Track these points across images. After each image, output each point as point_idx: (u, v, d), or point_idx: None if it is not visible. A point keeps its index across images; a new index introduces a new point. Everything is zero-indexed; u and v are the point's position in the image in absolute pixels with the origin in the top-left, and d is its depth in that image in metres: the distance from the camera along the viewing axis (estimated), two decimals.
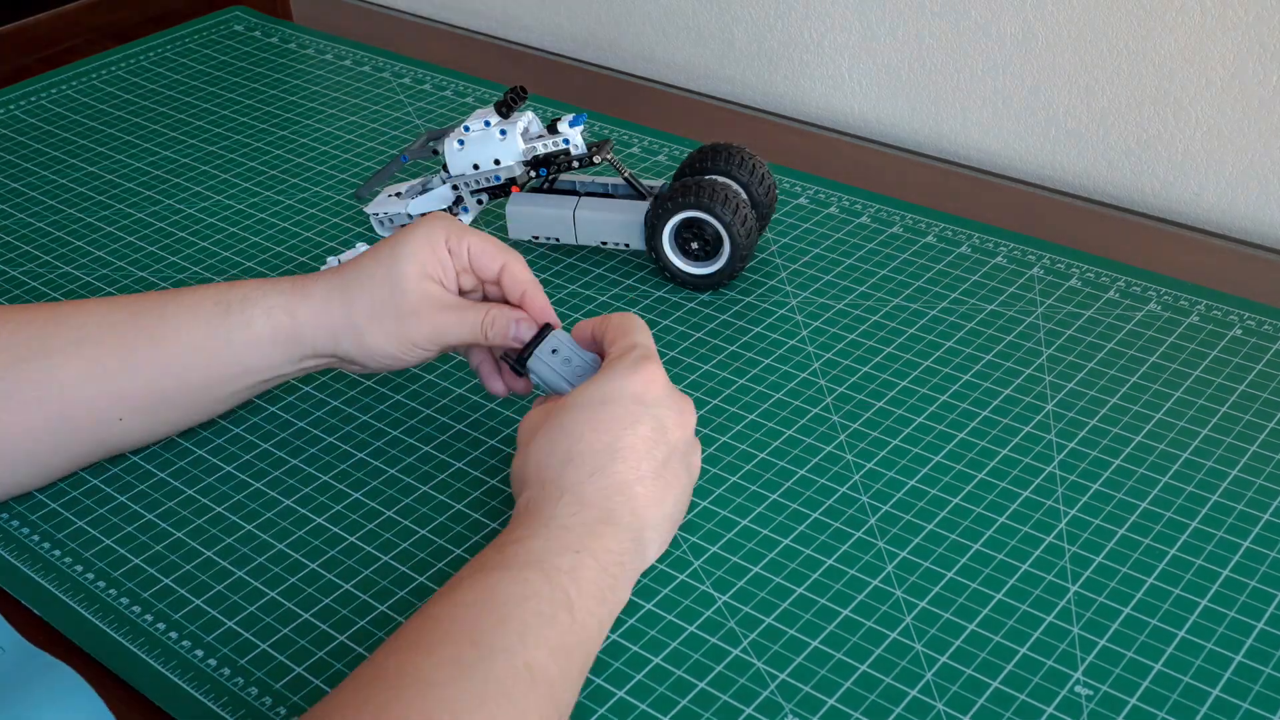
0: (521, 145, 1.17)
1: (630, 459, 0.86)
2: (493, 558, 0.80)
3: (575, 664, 0.78)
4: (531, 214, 1.20)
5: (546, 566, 0.79)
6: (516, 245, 1.22)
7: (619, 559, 0.83)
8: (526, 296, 0.96)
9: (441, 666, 0.72)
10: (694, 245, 1.15)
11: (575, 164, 1.16)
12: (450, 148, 1.17)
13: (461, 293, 0.98)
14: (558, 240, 1.21)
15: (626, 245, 1.19)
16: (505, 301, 0.97)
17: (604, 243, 1.19)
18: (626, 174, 1.18)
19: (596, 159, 1.16)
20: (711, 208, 1.12)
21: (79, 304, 0.97)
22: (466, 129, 1.17)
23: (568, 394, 0.90)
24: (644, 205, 1.17)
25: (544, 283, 1.18)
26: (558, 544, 0.81)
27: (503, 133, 1.16)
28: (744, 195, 1.16)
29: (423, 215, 1.02)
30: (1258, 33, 1.21)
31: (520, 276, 0.97)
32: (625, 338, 0.92)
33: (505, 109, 1.17)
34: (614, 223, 1.18)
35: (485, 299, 0.99)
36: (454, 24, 1.77)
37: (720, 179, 1.16)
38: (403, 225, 1.20)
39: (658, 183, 1.20)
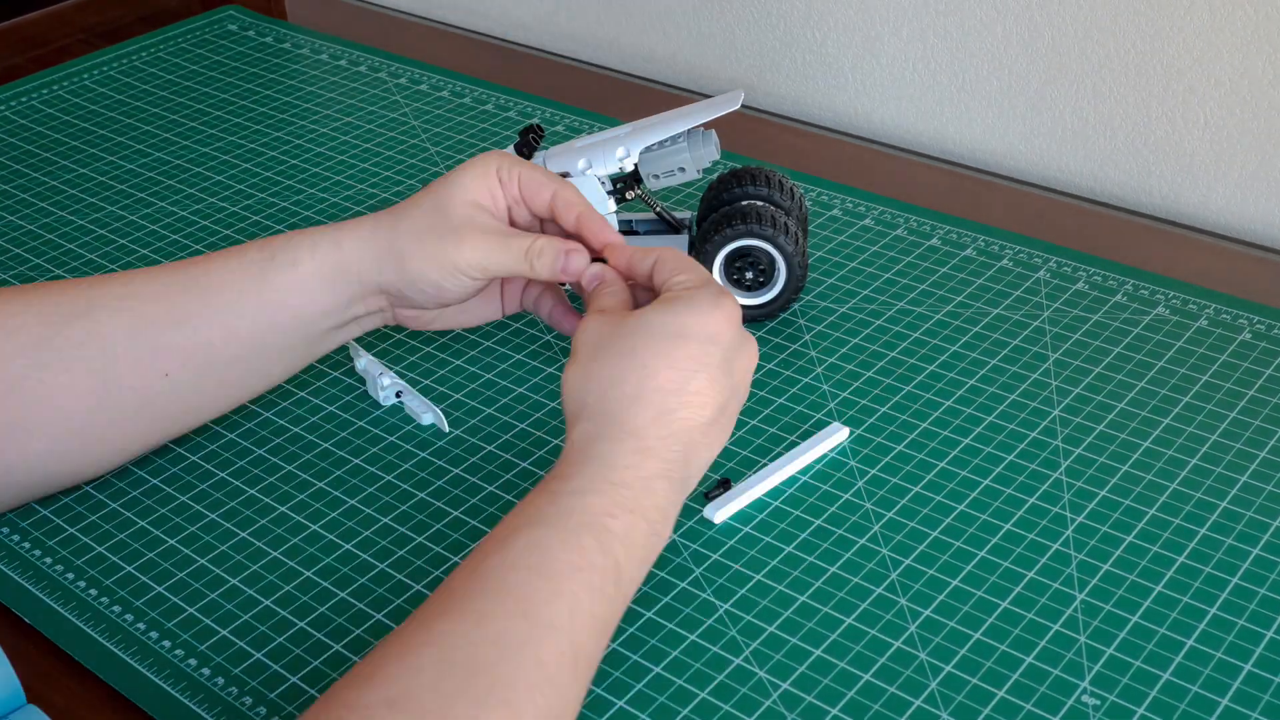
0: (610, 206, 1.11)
1: (696, 403, 0.81)
2: (547, 508, 0.77)
3: (608, 638, 0.76)
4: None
5: (600, 530, 0.76)
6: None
7: (665, 514, 0.80)
8: (581, 220, 0.93)
9: (492, 644, 0.70)
10: (749, 275, 1.11)
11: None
12: None
13: (514, 225, 0.95)
14: None
15: None
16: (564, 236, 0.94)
17: None
18: (659, 208, 1.14)
19: (629, 195, 1.11)
20: (765, 233, 1.08)
21: (123, 272, 0.95)
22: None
23: (638, 312, 0.85)
24: (682, 238, 1.14)
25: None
26: (614, 502, 0.77)
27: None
28: (788, 219, 1.12)
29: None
30: (1266, 32, 1.21)
31: (572, 200, 0.93)
32: (690, 270, 0.87)
33: (526, 150, 1.12)
34: None
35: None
36: (451, 23, 1.76)
37: (760, 203, 1.13)
38: None
39: (686, 214, 1.17)
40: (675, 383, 0.81)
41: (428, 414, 1.03)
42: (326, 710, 0.68)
